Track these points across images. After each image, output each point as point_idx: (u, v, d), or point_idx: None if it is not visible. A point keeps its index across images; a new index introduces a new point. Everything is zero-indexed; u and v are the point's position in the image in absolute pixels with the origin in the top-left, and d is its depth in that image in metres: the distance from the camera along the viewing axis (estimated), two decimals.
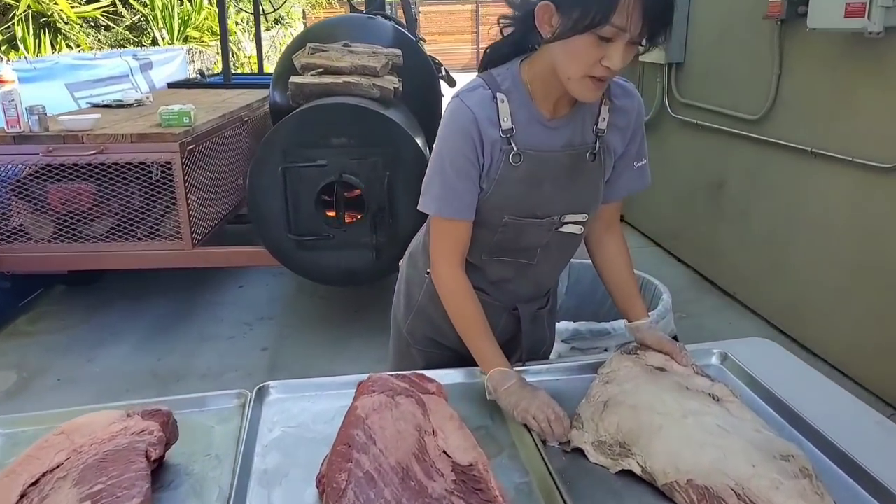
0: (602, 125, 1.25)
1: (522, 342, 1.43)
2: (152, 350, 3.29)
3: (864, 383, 2.89)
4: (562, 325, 1.76)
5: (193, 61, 8.07)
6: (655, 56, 4.24)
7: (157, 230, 3.04)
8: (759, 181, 3.52)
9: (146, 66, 6.08)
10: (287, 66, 3.47)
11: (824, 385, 1.42)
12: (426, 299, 1.43)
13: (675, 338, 1.94)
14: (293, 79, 3.06)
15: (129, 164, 2.89)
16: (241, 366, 3.16)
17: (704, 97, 3.96)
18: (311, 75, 3.12)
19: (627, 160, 1.34)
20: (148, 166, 2.90)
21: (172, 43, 7.43)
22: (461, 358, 1.47)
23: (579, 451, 1.18)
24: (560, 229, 1.29)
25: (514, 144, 1.19)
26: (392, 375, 1.20)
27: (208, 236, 3.24)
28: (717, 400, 1.25)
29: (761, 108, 3.37)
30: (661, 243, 4.64)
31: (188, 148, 2.95)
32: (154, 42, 7.30)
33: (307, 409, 1.30)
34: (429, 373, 1.39)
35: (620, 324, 1.77)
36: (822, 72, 3.00)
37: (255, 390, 1.32)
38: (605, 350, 1.77)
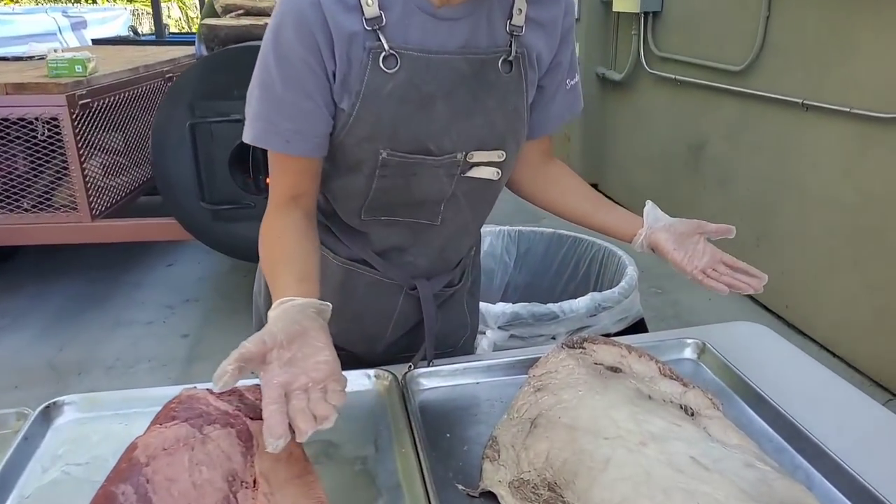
0: (518, 20, 0.85)
1: (426, 332, 1.04)
2: (55, 338, 2.88)
3: (854, 364, 2.57)
4: (498, 308, 1.39)
5: (140, 24, 7.51)
6: (629, 5, 3.83)
7: (49, 200, 2.61)
8: (742, 141, 3.16)
9: (79, 25, 5.57)
10: (210, 11, 3.02)
11: (833, 383, 1.06)
12: None
13: (641, 321, 1.58)
14: (205, 20, 2.63)
15: (7, 120, 2.45)
16: (157, 355, 2.76)
17: (684, 49, 3.57)
18: (230, 17, 2.68)
19: (559, 75, 0.95)
20: (32, 123, 2.46)
21: (115, 1, 6.88)
22: (351, 357, 1.09)
23: (491, 497, 0.81)
24: (468, 174, 0.91)
25: (384, 41, 0.80)
26: (215, 392, 0.81)
27: (115, 208, 2.81)
28: (692, 415, 0.88)
29: (746, 56, 3.00)
30: (635, 211, 4.27)
31: (81, 102, 2.51)
32: (93, 0, 6.75)
33: (113, 436, 0.91)
34: None
35: (573, 305, 1.41)
36: (815, 10, 2.62)
37: (39, 409, 0.93)
38: (553, 339, 1.41)
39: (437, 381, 1.03)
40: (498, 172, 0.92)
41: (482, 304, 1.39)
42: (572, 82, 0.97)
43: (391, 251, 0.99)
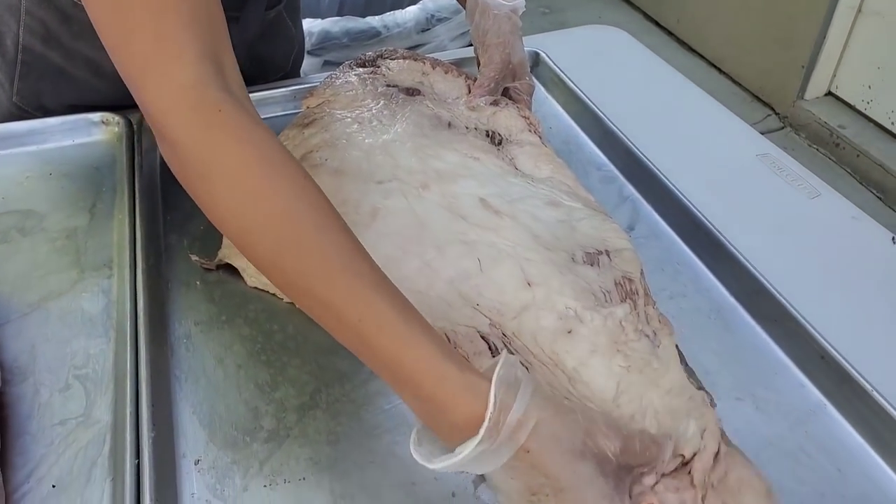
0: None
1: None
2: None
3: (739, 79, 2.46)
4: (306, 25, 1.08)
5: None
6: None
7: None
8: None
9: None
10: None
11: (693, 97, 0.87)
12: (30, 37, 0.73)
13: None
14: None
15: None
16: None
17: None
18: None
19: None
20: None
21: None
22: None
23: (232, 272, 0.62)
24: None
25: None
26: None
27: None
28: (499, 143, 0.69)
29: None
30: None
31: None
32: None
33: None
34: None
35: (398, 17, 1.11)
36: None
37: None
38: None
39: None
40: None
41: None
42: None
43: None
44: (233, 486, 0.46)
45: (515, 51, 0.72)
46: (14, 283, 0.61)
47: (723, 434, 0.44)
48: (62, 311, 0.58)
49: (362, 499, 0.46)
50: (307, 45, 1.08)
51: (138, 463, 0.45)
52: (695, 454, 0.41)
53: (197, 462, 0.47)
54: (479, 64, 0.76)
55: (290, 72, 0.94)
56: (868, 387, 0.50)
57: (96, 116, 0.76)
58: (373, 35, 1.09)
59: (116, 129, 0.76)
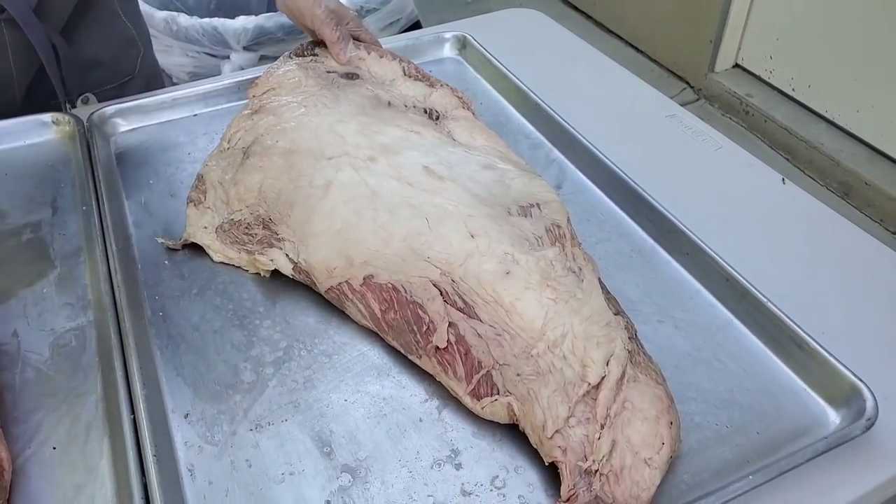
0: None
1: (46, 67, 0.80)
2: None
3: (655, 57, 2.59)
4: (238, 23, 1.12)
5: None
6: None
7: None
8: None
9: None
10: None
11: (603, 68, 0.96)
12: None
13: (416, 24, 1.38)
14: None
15: None
16: None
17: None
18: None
19: None
20: None
21: None
22: None
23: (197, 250, 0.66)
24: None
25: None
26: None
27: None
28: (437, 118, 0.75)
29: None
30: None
31: None
32: None
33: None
34: None
35: None
36: None
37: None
38: None
39: (139, 119, 0.82)
40: None
41: (217, 22, 1.12)
42: None
43: None
44: (222, 432, 0.51)
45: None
46: None
47: (637, 352, 0.51)
48: (39, 297, 0.61)
49: (339, 431, 0.51)
50: (242, 42, 1.12)
51: (134, 418, 0.50)
52: (602, 379, 0.49)
53: (186, 415, 0.52)
54: (307, 31, 0.82)
55: (136, 75, 0.93)
56: (765, 300, 0.58)
57: (47, 117, 0.79)
58: None
59: (68, 127, 0.79)
